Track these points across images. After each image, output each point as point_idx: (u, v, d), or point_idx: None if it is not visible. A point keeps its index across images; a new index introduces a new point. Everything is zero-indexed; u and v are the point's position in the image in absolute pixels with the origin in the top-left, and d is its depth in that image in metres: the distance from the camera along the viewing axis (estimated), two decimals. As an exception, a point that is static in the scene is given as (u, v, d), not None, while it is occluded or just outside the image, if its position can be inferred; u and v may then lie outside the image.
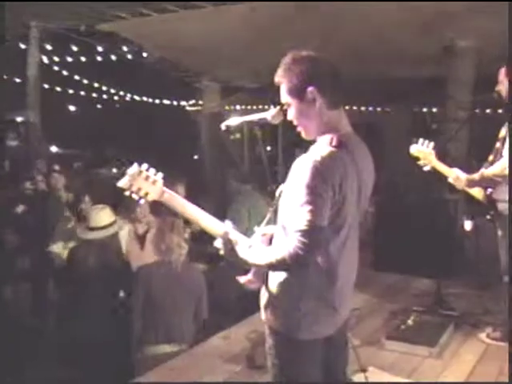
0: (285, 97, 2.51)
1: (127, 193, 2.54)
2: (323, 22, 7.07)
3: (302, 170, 2.30)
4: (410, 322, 5.00)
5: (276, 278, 2.47)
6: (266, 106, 10.42)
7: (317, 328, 2.47)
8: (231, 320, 5.13)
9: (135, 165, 2.55)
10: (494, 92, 4.68)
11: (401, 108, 9.13)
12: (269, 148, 13.59)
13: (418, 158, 4.88)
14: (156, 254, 4.63)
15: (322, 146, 2.39)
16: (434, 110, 9.38)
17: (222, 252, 2.56)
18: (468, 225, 7.32)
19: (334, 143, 2.39)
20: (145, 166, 2.58)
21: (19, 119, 12.69)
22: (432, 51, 7.89)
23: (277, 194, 2.59)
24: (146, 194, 2.55)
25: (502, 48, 7.26)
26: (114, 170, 13.49)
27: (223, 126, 2.82)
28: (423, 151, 4.85)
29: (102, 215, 5.25)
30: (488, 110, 8.45)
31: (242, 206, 5.98)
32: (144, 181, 2.54)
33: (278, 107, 2.65)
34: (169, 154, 13.38)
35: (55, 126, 14.17)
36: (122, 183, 2.53)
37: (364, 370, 4.19)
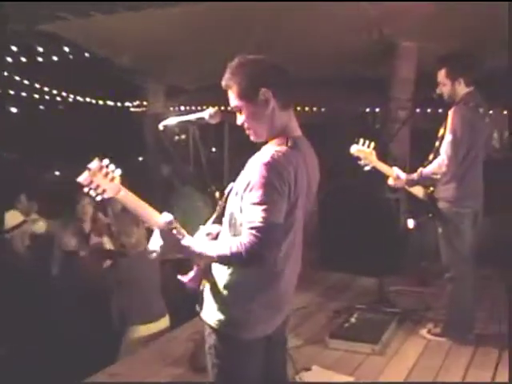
0: (234, 101, 2.48)
1: (86, 189, 2.49)
2: (266, 23, 7.07)
3: (258, 167, 2.28)
4: (353, 320, 5.05)
5: (221, 277, 2.44)
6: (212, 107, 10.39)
7: (260, 327, 2.46)
8: (173, 322, 5.09)
9: (96, 160, 2.49)
10: (435, 93, 4.77)
11: (344, 108, 9.23)
12: (214, 149, 13.56)
13: (358, 158, 4.93)
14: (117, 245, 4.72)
15: (277, 146, 2.39)
16: (377, 110, 9.50)
17: (163, 246, 2.50)
18: (410, 223, 7.43)
19: (288, 144, 2.39)
20: (106, 161, 2.51)
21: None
22: (374, 52, 7.98)
23: (226, 192, 2.57)
24: (104, 192, 2.50)
25: (442, 48, 7.47)
26: (57, 173, 13.27)
27: (161, 126, 2.79)
28: (364, 151, 4.90)
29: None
30: (429, 110, 8.59)
31: (177, 206, 5.97)
32: (103, 177, 2.48)
33: (216, 107, 2.64)
34: (113, 156, 13.20)
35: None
36: (81, 178, 2.46)
37: (307, 369, 4.24)
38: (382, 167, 4.96)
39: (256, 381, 2.54)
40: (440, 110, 8.36)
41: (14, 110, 22.64)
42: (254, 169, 2.30)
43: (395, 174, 4.84)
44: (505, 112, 8.13)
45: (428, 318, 5.29)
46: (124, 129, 15.92)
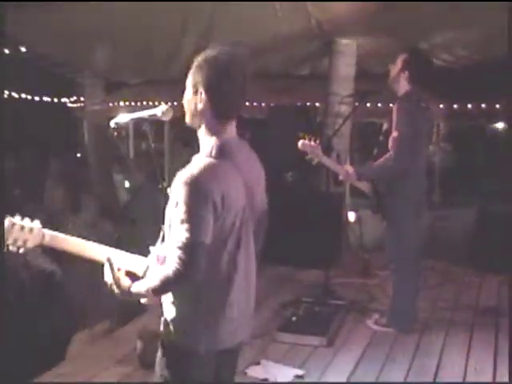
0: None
1: (5, 245, 2.48)
2: (205, 15, 7.06)
3: (179, 186, 2.26)
4: (300, 312, 5.10)
5: (170, 294, 2.42)
6: (151, 103, 10.33)
7: (212, 341, 2.43)
8: (119, 320, 5.05)
9: (7, 219, 2.48)
10: (386, 86, 4.89)
11: (285, 103, 9.29)
12: (153, 145, 13.46)
13: (305, 153, 4.97)
14: None
15: (201, 158, 2.36)
16: (317, 104, 9.59)
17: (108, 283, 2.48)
18: (352, 216, 7.56)
19: (213, 154, 2.36)
20: (17, 218, 2.50)
21: None
22: (314, 48, 8.07)
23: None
24: (25, 242, 2.49)
25: (379, 44, 7.60)
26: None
27: (112, 124, 2.76)
28: (310, 146, 4.94)
29: None
30: (368, 104, 8.71)
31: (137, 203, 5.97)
32: (19, 231, 2.47)
33: (169, 104, 2.62)
34: (50, 152, 12.96)
35: None
36: None
37: (256, 363, 4.27)
38: (329, 162, 5.02)
39: None
40: (379, 105, 8.55)
41: None
42: (176, 188, 2.27)
43: (344, 171, 4.90)
44: (441, 106, 8.33)
45: (373, 309, 5.39)
46: (61, 125, 15.67)
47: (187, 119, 2.48)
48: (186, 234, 2.21)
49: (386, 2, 6.12)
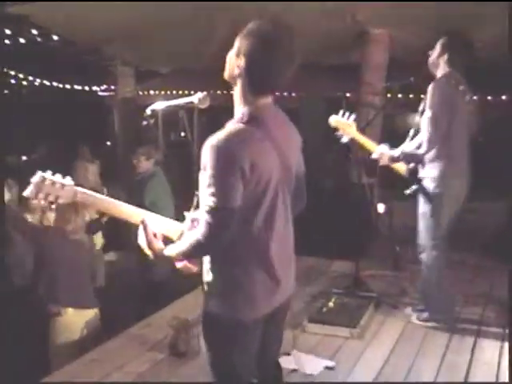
0: None
1: (35, 201, 2.50)
2: (244, 7, 7.03)
3: (207, 151, 2.26)
4: (330, 304, 5.09)
5: (207, 262, 2.44)
6: (181, 92, 10.36)
7: (254, 307, 2.43)
8: (152, 307, 5.08)
9: (38, 173, 2.50)
10: (412, 78, 4.80)
11: (315, 93, 9.25)
12: (182, 134, 13.48)
13: (336, 129, 4.89)
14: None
15: (231, 124, 2.36)
16: (348, 95, 9.55)
17: (142, 246, 2.52)
18: (381, 207, 7.50)
19: (243, 119, 2.36)
20: (48, 173, 2.52)
21: None
22: (347, 38, 8.02)
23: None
24: (57, 198, 2.50)
25: (414, 36, 7.52)
26: (24, 158, 13.09)
27: (148, 111, 2.77)
28: (342, 122, 4.87)
29: None
30: (400, 96, 8.66)
31: (158, 185, 6.01)
32: (50, 186, 2.48)
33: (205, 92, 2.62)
34: (80, 140, 13.06)
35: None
36: (27, 192, 2.48)
37: (287, 353, 4.26)
38: (364, 140, 4.92)
39: (250, 361, 2.54)
40: (411, 96, 8.49)
41: (-23, 93, 22.26)
42: (204, 153, 2.28)
43: (379, 151, 4.81)
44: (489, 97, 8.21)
45: (403, 303, 5.35)
46: (92, 113, 15.78)
47: (226, 75, 2.48)
48: (213, 198, 2.23)
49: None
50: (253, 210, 2.35)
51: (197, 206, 2.52)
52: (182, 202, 5.91)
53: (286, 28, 2.42)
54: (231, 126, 2.34)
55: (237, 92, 2.44)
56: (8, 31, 11.50)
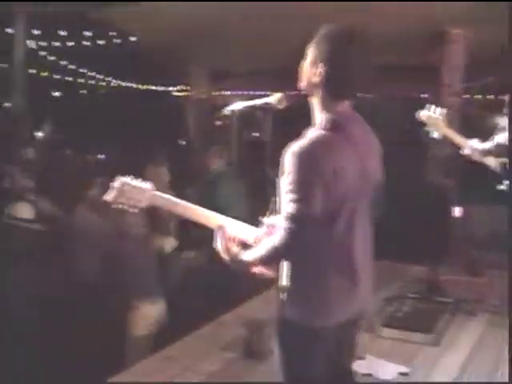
0: None
1: (117, 205, 2.56)
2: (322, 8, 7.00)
3: (289, 158, 2.26)
4: (405, 308, 5.00)
5: (285, 267, 2.43)
6: (255, 92, 10.37)
7: (331, 315, 2.42)
8: (226, 307, 5.10)
9: (120, 178, 2.58)
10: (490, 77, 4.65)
11: (395, 94, 9.13)
12: (255, 134, 13.52)
13: (424, 124, 4.78)
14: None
15: (312, 131, 2.35)
16: (424, 96, 9.38)
17: (219, 250, 2.55)
18: (458, 210, 7.32)
19: (325, 126, 2.34)
20: (129, 178, 2.60)
21: (5, 105, 12.57)
22: (425, 39, 7.90)
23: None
24: (137, 203, 2.55)
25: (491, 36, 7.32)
26: (100, 156, 13.37)
27: (227, 111, 2.77)
28: (432, 117, 4.75)
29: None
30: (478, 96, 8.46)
31: (229, 185, 6.03)
32: (131, 191, 2.55)
33: (283, 92, 2.61)
34: (154, 139, 13.27)
35: (41, 112, 14.01)
36: (108, 197, 2.55)
37: (361, 358, 4.20)
38: (452, 135, 4.79)
39: (322, 367, 2.52)
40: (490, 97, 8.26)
41: (57, 94, 22.90)
42: (286, 159, 2.28)
43: (470, 145, 4.67)
44: None
45: (481, 309, 5.21)
46: (166, 113, 16.01)
47: (302, 86, 2.47)
48: (293, 205, 2.22)
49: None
50: (333, 218, 2.33)
51: (273, 212, 2.52)
52: (253, 202, 5.95)
53: (360, 31, 2.40)
54: (312, 132, 2.33)
55: (316, 99, 2.42)
56: (87, 33, 11.83)
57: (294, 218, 2.23)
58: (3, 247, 4.66)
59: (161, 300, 4.88)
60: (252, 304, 5.20)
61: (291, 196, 2.23)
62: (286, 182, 2.27)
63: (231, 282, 5.65)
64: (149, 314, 4.72)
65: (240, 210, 5.75)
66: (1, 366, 4.11)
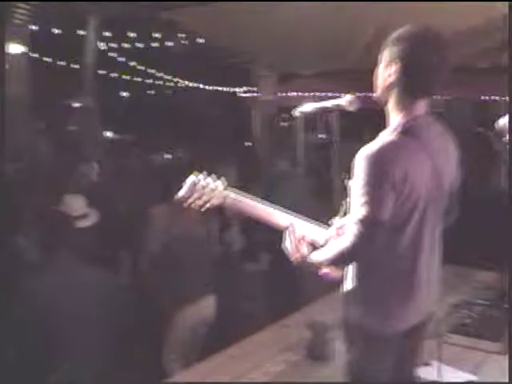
0: None
1: (188, 202, 2.59)
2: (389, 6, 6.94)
3: (360, 161, 2.26)
4: (474, 315, 4.89)
5: (351, 270, 2.41)
6: (323, 94, 10.34)
7: (394, 321, 2.40)
8: (291, 308, 5.09)
9: (192, 176, 2.62)
10: None
11: (463, 97, 8.96)
12: (322, 136, 13.43)
13: (503, 134, 4.65)
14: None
15: (385, 135, 2.33)
16: (496, 98, 9.17)
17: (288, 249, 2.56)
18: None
19: (398, 130, 2.32)
20: (202, 175, 2.62)
21: (76, 105, 12.89)
22: (496, 40, 7.72)
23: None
24: (209, 200, 2.57)
25: None
26: (168, 156, 13.56)
27: (297, 113, 2.78)
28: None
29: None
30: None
31: (295, 186, 6.02)
32: (203, 189, 2.57)
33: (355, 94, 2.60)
34: (220, 141, 13.38)
35: (110, 112, 14.32)
36: (181, 193, 2.57)
37: (426, 364, 4.13)
38: None
39: (386, 372, 2.50)
40: None
41: (124, 94, 23.36)
42: (357, 162, 2.27)
43: None
44: None
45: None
46: (232, 114, 16.13)
47: (377, 93, 2.46)
48: (363, 210, 2.22)
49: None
50: (402, 223, 2.32)
51: (344, 214, 2.51)
52: (318, 203, 5.93)
53: (436, 31, 2.37)
54: (385, 136, 2.31)
55: (391, 102, 2.40)
56: (156, 34, 12.02)
57: (363, 222, 2.22)
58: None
59: (211, 299, 4.94)
60: (317, 306, 5.17)
61: (361, 199, 2.23)
62: (356, 185, 2.26)
63: (297, 284, 5.66)
64: (198, 312, 4.78)
65: (305, 212, 5.74)
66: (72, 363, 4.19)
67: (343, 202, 2.49)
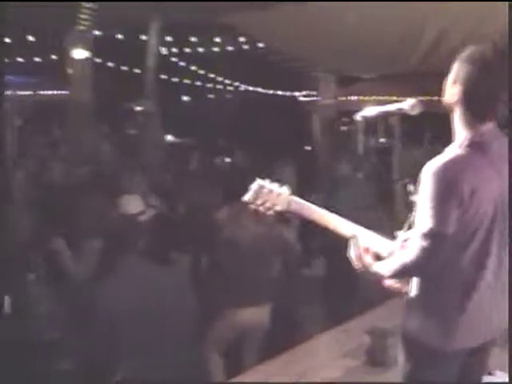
0: None
1: (253, 206, 2.63)
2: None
3: (426, 175, 2.24)
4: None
5: (415, 283, 2.38)
6: (385, 97, 10.22)
7: (456, 339, 2.34)
8: (350, 314, 5.06)
9: (257, 180, 2.65)
10: None
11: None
12: (383, 140, 13.32)
13: None
14: None
15: (452, 149, 2.30)
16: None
17: (352, 259, 2.54)
18: None
19: (465, 145, 2.29)
20: (267, 181, 2.66)
21: (137, 109, 13.10)
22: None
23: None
24: (273, 206, 2.61)
25: None
26: (228, 160, 13.66)
27: (358, 117, 2.76)
28: None
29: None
30: None
31: (355, 191, 5.98)
32: (268, 194, 2.60)
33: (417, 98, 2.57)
34: (280, 145, 13.39)
35: (171, 116, 14.49)
36: (246, 198, 2.64)
37: (490, 373, 4.03)
38: None
39: None
40: None
41: (185, 98, 23.61)
42: (424, 175, 2.24)
43: None
44: None
45: None
46: (292, 118, 16.11)
47: (444, 100, 2.44)
48: (429, 224, 2.20)
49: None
50: (468, 238, 2.27)
51: (409, 227, 2.48)
52: (378, 208, 5.87)
53: (502, 51, 2.33)
54: (452, 151, 2.28)
55: (456, 117, 2.37)
56: (217, 39, 12.13)
57: (428, 236, 2.20)
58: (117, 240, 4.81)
59: (267, 304, 4.95)
60: (377, 312, 5.13)
61: (427, 213, 2.21)
62: (422, 199, 2.24)
63: (357, 289, 5.62)
64: (252, 315, 4.81)
65: (364, 216, 5.69)
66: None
67: (409, 215, 2.47)
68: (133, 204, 5.38)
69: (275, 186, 2.63)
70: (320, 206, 2.73)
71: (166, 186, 8.33)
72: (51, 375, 4.38)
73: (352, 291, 5.67)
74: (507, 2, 5.06)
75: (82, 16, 10.61)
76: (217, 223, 5.39)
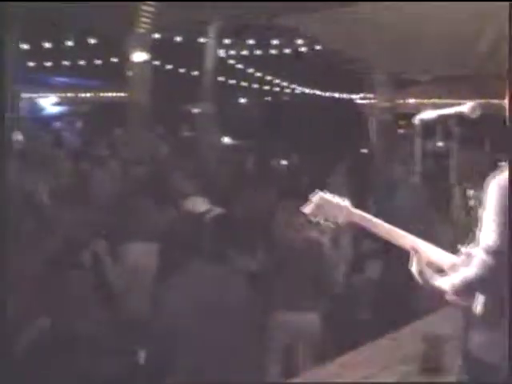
0: None
1: (314, 219, 2.62)
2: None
3: (493, 188, 2.18)
4: None
5: (479, 299, 2.32)
6: (444, 100, 10.08)
7: None
8: (406, 320, 5.00)
9: (319, 193, 2.62)
10: None
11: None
12: (440, 144, 13.12)
13: None
14: None
15: None
16: None
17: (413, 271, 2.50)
18: None
19: None
20: (327, 193, 2.63)
21: (195, 111, 13.22)
22: None
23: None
24: (335, 218, 2.60)
25: None
26: (284, 162, 13.67)
27: (417, 120, 2.73)
28: None
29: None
30: None
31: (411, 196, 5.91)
32: (329, 206, 2.57)
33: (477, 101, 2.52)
34: (336, 147, 13.32)
35: (228, 118, 14.59)
36: (307, 210, 2.61)
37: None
38: None
39: None
40: None
41: (242, 100, 23.72)
42: (491, 189, 2.19)
43: None
44: None
45: None
46: (348, 121, 16.03)
47: (505, 103, 2.37)
48: (494, 238, 2.13)
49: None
50: None
51: (472, 241, 2.43)
52: (435, 213, 5.79)
53: None
54: None
55: None
56: (274, 41, 12.14)
57: (492, 251, 2.15)
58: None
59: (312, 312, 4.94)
60: (432, 319, 5.05)
61: (491, 228, 2.15)
62: (488, 213, 2.19)
63: (413, 295, 5.55)
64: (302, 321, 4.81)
65: (420, 221, 5.62)
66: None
67: (473, 230, 2.42)
68: (199, 203, 5.50)
69: (336, 199, 2.62)
70: (376, 208, 2.70)
71: (222, 188, 8.37)
72: (109, 375, 4.45)
73: (406, 297, 5.61)
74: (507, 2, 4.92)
75: (142, 19, 10.76)
76: (272, 225, 5.40)
